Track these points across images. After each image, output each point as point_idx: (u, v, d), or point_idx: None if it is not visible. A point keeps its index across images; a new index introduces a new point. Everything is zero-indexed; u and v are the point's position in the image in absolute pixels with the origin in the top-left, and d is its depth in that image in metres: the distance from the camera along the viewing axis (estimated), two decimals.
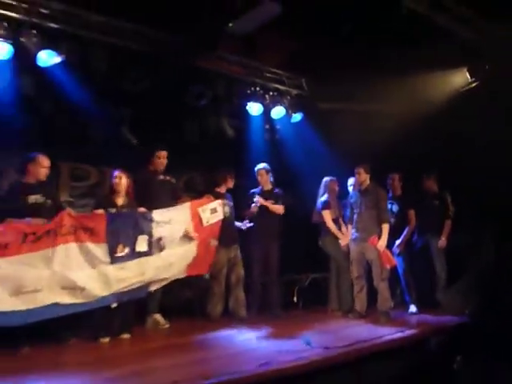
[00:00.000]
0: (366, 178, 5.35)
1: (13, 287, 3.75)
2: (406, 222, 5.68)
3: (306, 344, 3.89)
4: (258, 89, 6.48)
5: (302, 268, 6.41)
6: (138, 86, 5.48)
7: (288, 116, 6.81)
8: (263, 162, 5.74)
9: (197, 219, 4.94)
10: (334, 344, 3.86)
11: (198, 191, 6.12)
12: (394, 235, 5.51)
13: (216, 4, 5.11)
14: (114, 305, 4.28)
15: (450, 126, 5.65)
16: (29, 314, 3.79)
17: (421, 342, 4.38)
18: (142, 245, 4.50)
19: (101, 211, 4.42)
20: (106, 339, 4.29)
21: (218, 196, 5.23)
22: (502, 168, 5.30)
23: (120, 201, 4.61)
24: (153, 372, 3.36)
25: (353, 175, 5.51)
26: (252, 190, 5.63)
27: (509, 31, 5.25)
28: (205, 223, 4.97)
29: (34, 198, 4.18)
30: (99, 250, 4.23)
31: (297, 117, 6.86)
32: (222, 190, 5.39)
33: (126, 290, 4.31)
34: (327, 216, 5.63)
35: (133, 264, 4.39)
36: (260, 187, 5.63)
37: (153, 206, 4.71)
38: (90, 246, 4.19)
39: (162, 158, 5.12)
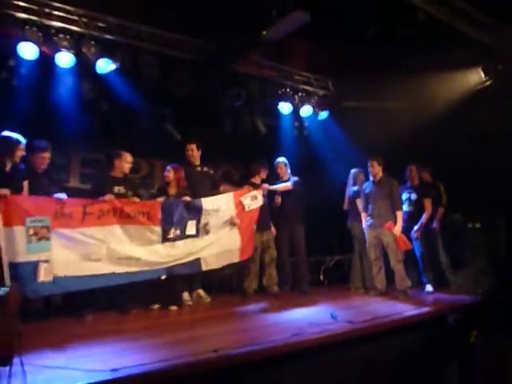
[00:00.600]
0: (379, 170, 5.55)
1: (82, 254, 4.14)
2: (422, 210, 5.88)
3: (332, 318, 4.05)
4: (288, 90, 6.86)
5: (327, 250, 6.74)
6: (183, 89, 5.88)
7: (315, 114, 7.14)
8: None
9: (240, 207, 5.26)
10: (357, 319, 4.00)
11: (235, 182, 6.54)
12: (412, 222, 5.80)
13: (252, 15, 5.41)
14: (164, 276, 4.66)
15: (465, 122, 5.79)
16: (93, 280, 4.13)
17: (438, 318, 4.50)
18: (191, 229, 4.91)
19: (159, 199, 4.85)
20: (157, 308, 4.74)
21: (253, 186, 5.49)
22: None
23: (172, 191, 5.04)
24: (196, 340, 3.53)
25: None
26: (276, 182, 5.87)
27: None
28: (246, 209, 5.28)
29: (118, 189, 4.63)
30: (154, 231, 4.63)
31: (323, 115, 7.18)
32: (257, 180, 5.65)
33: (175, 263, 4.71)
34: (359, 204, 5.89)
35: (181, 243, 4.80)
36: (280, 179, 5.91)
37: (196, 195, 5.06)
38: (146, 227, 4.59)
39: (190, 151, 5.37)
